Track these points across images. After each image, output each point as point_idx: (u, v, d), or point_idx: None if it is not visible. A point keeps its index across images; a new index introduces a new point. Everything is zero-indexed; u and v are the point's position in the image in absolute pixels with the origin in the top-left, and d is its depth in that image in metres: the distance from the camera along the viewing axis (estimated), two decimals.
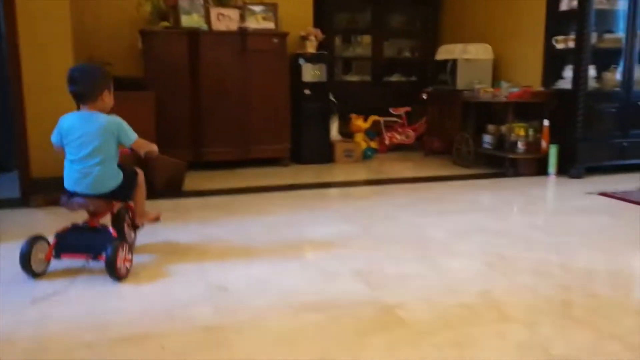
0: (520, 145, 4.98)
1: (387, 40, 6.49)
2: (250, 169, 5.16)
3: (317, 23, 5.64)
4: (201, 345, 1.91)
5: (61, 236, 2.75)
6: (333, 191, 4.31)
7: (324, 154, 5.42)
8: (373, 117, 5.95)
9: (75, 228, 2.78)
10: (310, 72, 5.34)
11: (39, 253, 2.67)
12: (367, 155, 5.67)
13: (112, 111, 2.69)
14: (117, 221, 2.89)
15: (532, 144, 4.99)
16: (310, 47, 5.42)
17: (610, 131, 4.95)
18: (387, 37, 6.50)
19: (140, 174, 2.96)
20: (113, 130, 2.71)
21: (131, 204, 2.96)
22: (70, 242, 2.73)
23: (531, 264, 2.67)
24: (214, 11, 4.93)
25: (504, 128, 5.10)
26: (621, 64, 4.94)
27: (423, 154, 6.08)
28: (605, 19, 4.82)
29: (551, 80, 5.11)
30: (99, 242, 2.69)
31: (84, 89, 2.68)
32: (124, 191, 2.84)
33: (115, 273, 2.60)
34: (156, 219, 3.15)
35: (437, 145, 6.04)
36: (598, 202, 3.94)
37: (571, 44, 4.85)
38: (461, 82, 5.52)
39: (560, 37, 4.98)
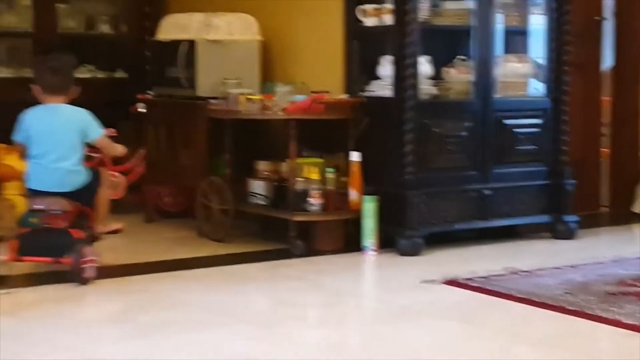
0: (314, 199, 4.92)
1: (65, 2, 6.41)
2: None
3: None
4: None
5: (23, 238, 4.16)
6: None
7: None
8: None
9: (36, 229, 4.16)
10: None
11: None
12: (28, 224, 5.04)
13: None
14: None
15: (334, 196, 5.02)
16: None
17: (461, 170, 5.09)
18: None
19: (104, 173, 4.32)
20: (81, 123, 4.18)
21: (89, 209, 4.26)
22: (33, 244, 4.16)
23: None
24: None
25: (284, 166, 5.12)
26: (473, 53, 5.10)
27: (144, 217, 5.98)
28: None
29: (359, 81, 5.21)
30: (61, 243, 4.06)
31: (64, 81, 4.23)
32: (87, 192, 4.20)
33: (80, 276, 4.05)
34: (117, 231, 4.52)
35: (168, 200, 6.05)
36: (444, 296, 4.13)
37: (388, 19, 4.98)
38: (204, 83, 5.44)
39: (369, 7, 5.09)
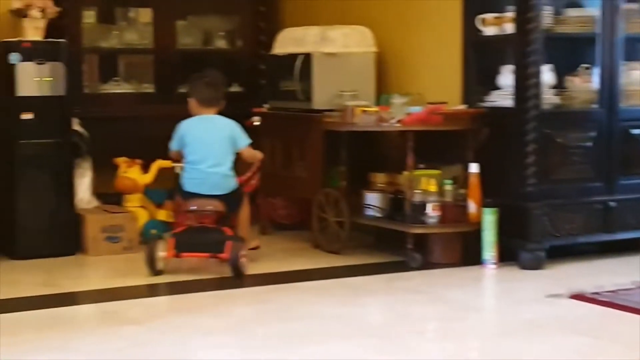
0: (431, 211, 4.90)
1: (184, 18, 6.48)
2: None
3: None
4: None
5: (179, 236, 4.64)
6: (81, 312, 4.39)
7: (64, 238, 5.29)
8: (160, 163, 5.65)
9: (190, 228, 4.70)
10: (33, 79, 5.27)
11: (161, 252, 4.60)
12: (150, 236, 5.37)
13: None
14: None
15: (452, 208, 4.98)
16: (33, 31, 5.34)
17: (585, 181, 5.01)
18: (183, 13, 6.47)
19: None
20: (232, 132, 4.74)
21: (233, 215, 4.86)
22: (189, 241, 4.63)
23: None
24: None
25: (401, 179, 5.11)
26: (597, 61, 5.03)
27: (258, 228, 5.99)
28: None
29: (477, 92, 5.16)
30: (216, 240, 4.60)
31: (217, 94, 4.81)
32: (234, 198, 4.77)
33: (238, 270, 4.59)
34: (256, 247, 5.03)
35: (282, 212, 6.09)
36: (571, 310, 4.07)
37: (509, 28, 4.95)
38: (320, 96, 5.48)
39: (489, 16, 5.05)
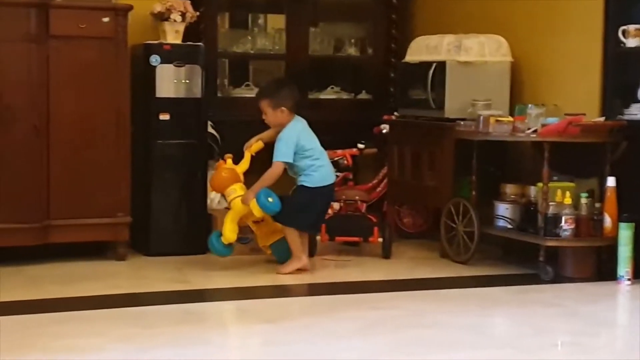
0: (565, 224, 4.84)
1: (315, 25, 6.52)
2: (51, 264, 5.13)
3: None
4: None
5: (329, 222, 5.17)
6: (212, 309, 4.44)
7: (195, 237, 5.34)
8: (256, 146, 5.26)
9: (338, 215, 5.36)
10: (172, 81, 5.38)
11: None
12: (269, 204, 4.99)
13: None
14: None
15: (587, 222, 4.90)
16: (173, 34, 5.43)
17: None
18: (315, 19, 6.53)
19: None
20: None
21: None
22: (340, 227, 5.24)
23: None
24: None
25: (533, 190, 5.06)
26: None
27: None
28: None
29: (618, 104, 5.05)
30: (365, 226, 5.24)
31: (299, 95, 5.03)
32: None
33: (388, 252, 5.24)
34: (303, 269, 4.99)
35: (408, 220, 6.09)
36: None
37: None
38: (453, 104, 5.46)
39: (632, 27, 4.96)
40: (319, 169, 4.83)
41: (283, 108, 4.82)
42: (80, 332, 3.81)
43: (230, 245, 4.88)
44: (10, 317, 4.01)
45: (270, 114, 4.85)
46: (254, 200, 4.72)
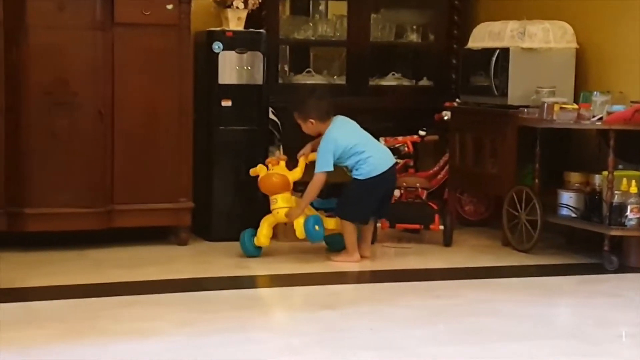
0: (631, 213, 4.76)
1: (377, 12, 6.48)
2: (114, 248, 5.19)
3: None
4: None
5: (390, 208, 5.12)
6: (272, 295, 4.55)
7: (257, 223, 5.14)
8: (310, 156, 5.08)
9: (399, 202, 5.31)
10: (234, 68, 5.41)
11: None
12: (314, 235, 4.95)
13: None
14: None
15: None
16: (236, 21, 5.45)
17: None
18: (377, 6, 6.49)
19: None
20: None
21: None
22: (400, 214, 5.26)
23: None
24: None
25: (598, 179, 5.02)
26: None
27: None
28: None
29: None
30: (426, 213, 5.24)
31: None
32: None
33: (449, 240, 5.26)
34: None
35: (469, 208, 6.09)
36: None
37: None
38: (516, 91, 5.43)
39: None
40: (367, 160, 4.78)
41: (311, 120, 4.85)
42: (143, 315, 3.86)
43: (260, 248, 4.90)
44: (75, 300, 4.10)
45: (304, 126, 4.90)
46: (301, 221, 4.73)
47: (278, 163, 4.96)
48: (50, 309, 3.96)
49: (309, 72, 6.30)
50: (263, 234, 4.83)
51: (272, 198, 4.89)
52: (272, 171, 4.91)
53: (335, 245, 5.01)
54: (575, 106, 5.04)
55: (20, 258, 4.86)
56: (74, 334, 3.54)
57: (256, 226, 4.98)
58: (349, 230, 4.84)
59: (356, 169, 4.83)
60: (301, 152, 4.99)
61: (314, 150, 4.93)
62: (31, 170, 5.00)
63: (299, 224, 4.73)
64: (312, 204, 4.94)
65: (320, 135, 4.88)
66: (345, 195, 4.90)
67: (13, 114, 4.96)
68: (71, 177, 5.06)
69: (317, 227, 4.72)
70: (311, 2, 6.56)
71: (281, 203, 4.85)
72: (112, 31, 5.03)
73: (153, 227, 5.30)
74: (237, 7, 5.36)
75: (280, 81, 6.18)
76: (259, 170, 4.90)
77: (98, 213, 5.09)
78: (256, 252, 4.90)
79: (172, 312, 3.91)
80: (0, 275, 4.38)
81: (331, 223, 4.98)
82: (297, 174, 4.96)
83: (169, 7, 5.12)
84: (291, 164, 4.99)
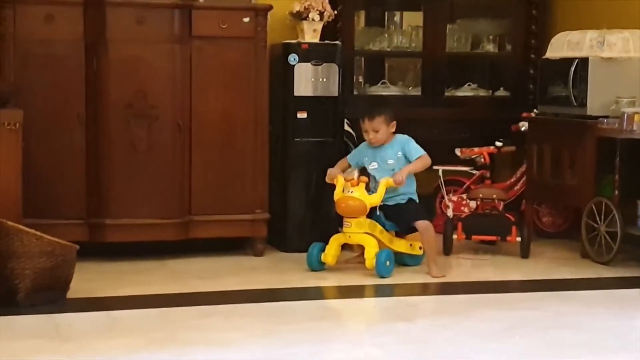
0: None
1: (453, 22, 6.51)
2: (192, 258, 5.23)
3: None
4: None
5: (465, 221, 5.23)
6: (349, 306, 4.53)
7: (331, 235, 5.10)
8: (388, 182, 4.95)
9: (475, 214, 5.37)
10: (310, 79, 5.44)
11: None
12: (385, 268, 4.88)
13: None
14: None
15: None
16: (311, 33, 5.47)
17: None
18: (452, 16, 6.52)
19: None
20: None
21: None
22: (476, 225, 5.23)
23: None
24: None
25: None
26: None
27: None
28: None
29: None
30: (503, 225, 5.20)
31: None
32: None
33: (527, 252, 5.22)
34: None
35: (547, 219, 6.03)
36: None
37: None
38: (595, 102, 5.36)
39: None
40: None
41: (394, 122, 4.91)
42: (221, 326, 3.89)
43: (324, 264, 4.87)
44: (155, 310, 4.15)
45: (384, 131, 4.88)
46: (372, 253, 4.67)
47: (358, 184, 4.84)
48: (130, 319, 4.00)
49: (384, 83, 6.31)
50: (331, 254, 4.82)
51: (346, 220, 4.85)
52: (350, 195, 4.79)
53: (406, 261, 5.02)
54: None
55: (101, 268, 4.92)
56: (154, 343, 3.59)
57: (327, 240, 4.96)
58: (432, 235, 4.87)
59: (409, 185, 4.92)
60: (334, 172, 4.95)
61: (343, 171, 4.98)
62: (111, 182, 5.07)
63: (370, 255, 4.66)
64: (384, 225, 4.86)
65: (381, 143, 4.93)
66: (411, 207, 4.94)
67: (94, 127, 5.05)
68: (150, 188, 5.12)
69: (388, 263, 4.69)
70: (386, 13, 6.59)
71: (355, 228, 4.78)
72: (190, 44, 5.11)
73: (229, 238, 5.35)
74: (313, 20, 5.40)
75: (355, 93, 6.19)
76: (337, 180, 4.85)
77: (176, 224, 5.14)
78: (320, 267, 4.89)
79: (250, 322, 3.94)
80: (82, 285, 4.42)
81: (402, 246, 4.97)
82: (375, 200, 4.82)
83: (246, 20, 5.18)
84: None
